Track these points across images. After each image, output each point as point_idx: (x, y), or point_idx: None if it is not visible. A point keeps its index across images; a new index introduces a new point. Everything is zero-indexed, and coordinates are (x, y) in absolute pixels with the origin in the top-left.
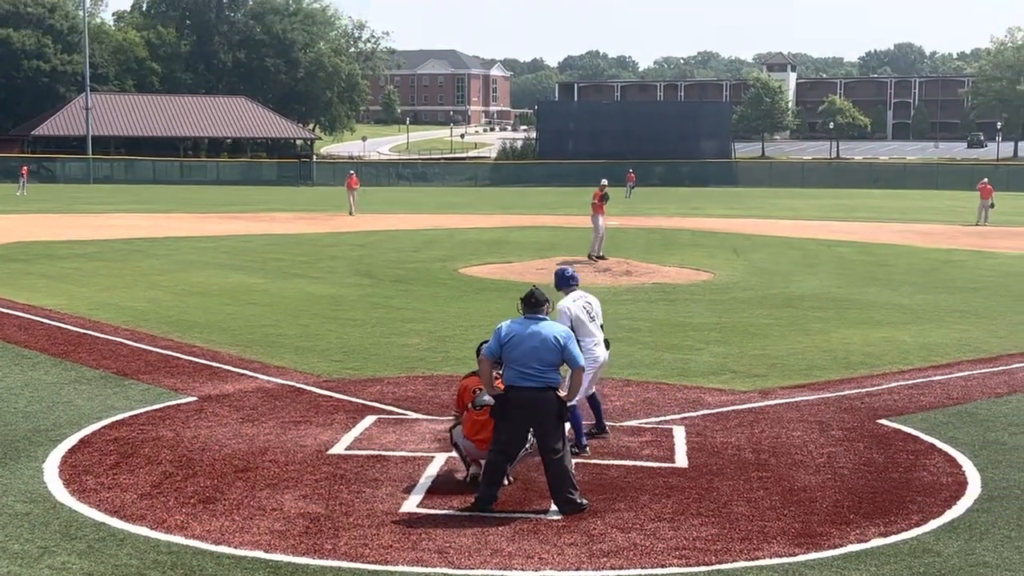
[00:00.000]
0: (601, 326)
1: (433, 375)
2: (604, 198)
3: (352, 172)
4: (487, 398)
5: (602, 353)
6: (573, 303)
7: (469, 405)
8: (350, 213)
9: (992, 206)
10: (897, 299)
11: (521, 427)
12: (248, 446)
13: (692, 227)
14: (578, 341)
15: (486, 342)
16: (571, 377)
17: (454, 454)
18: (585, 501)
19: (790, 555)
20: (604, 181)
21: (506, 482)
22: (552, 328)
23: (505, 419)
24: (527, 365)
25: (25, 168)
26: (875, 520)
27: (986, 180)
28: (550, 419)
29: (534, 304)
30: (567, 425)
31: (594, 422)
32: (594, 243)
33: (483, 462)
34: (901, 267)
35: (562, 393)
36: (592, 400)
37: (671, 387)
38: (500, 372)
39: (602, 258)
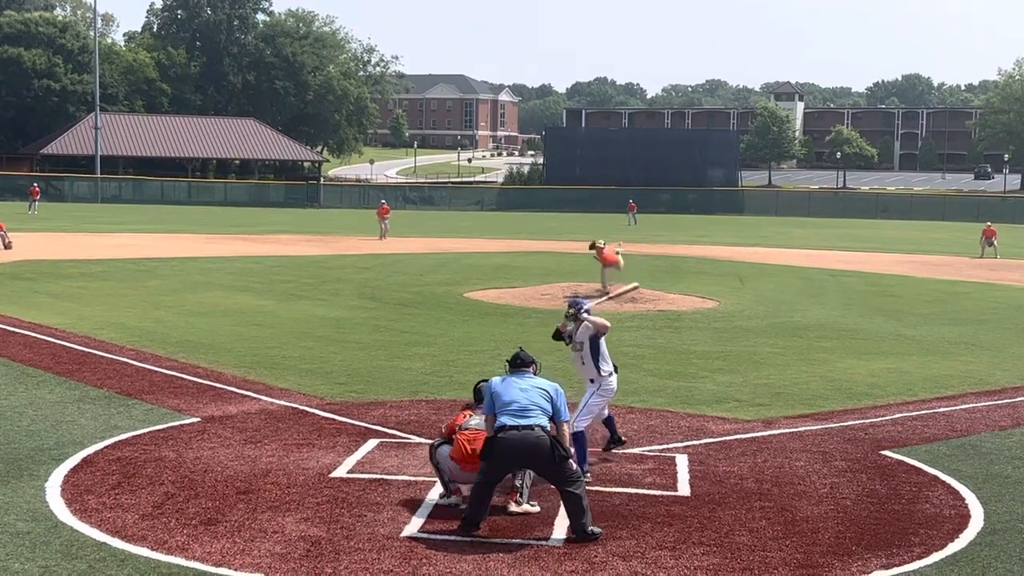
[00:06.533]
0: None
1: (436, 399)
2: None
3: (384, 201)
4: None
5: (615, 382)
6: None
7: (457, 428)
8: (381, 238)
9: (991, 245)
10: (902, 330)
11: (510, 469)
12: (250, 468)
13: (698, 255)
14: (597, 360)
15: (485, 380)
16: (558, 430)
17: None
18: (598, 529)
19: None
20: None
21: (534, 508)
22: (541, 381)
23: (494, 462)
24: (518, 403)
25: (36, 188)
26: (877, 552)
27: (990, 223)
28: (544, 461)
29: (520, 364)
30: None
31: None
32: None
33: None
34: (907, 298)
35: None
36: (607, 420)
37: (674, 415)
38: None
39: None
